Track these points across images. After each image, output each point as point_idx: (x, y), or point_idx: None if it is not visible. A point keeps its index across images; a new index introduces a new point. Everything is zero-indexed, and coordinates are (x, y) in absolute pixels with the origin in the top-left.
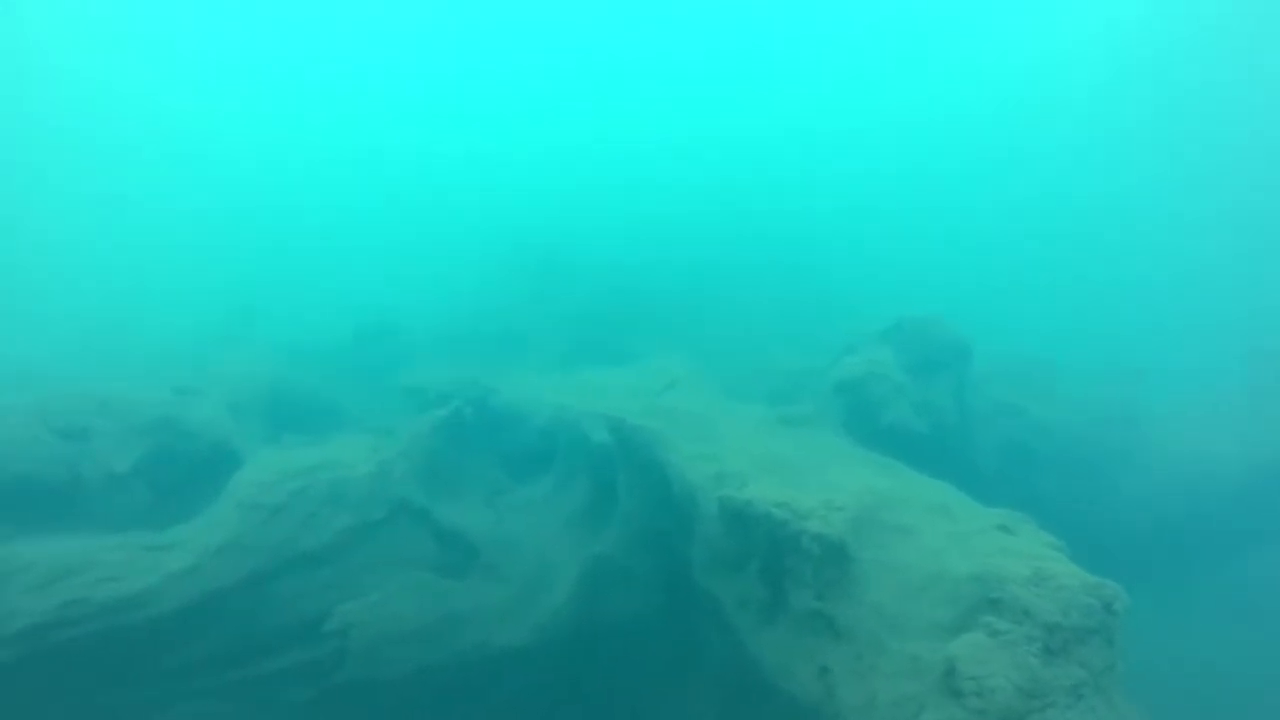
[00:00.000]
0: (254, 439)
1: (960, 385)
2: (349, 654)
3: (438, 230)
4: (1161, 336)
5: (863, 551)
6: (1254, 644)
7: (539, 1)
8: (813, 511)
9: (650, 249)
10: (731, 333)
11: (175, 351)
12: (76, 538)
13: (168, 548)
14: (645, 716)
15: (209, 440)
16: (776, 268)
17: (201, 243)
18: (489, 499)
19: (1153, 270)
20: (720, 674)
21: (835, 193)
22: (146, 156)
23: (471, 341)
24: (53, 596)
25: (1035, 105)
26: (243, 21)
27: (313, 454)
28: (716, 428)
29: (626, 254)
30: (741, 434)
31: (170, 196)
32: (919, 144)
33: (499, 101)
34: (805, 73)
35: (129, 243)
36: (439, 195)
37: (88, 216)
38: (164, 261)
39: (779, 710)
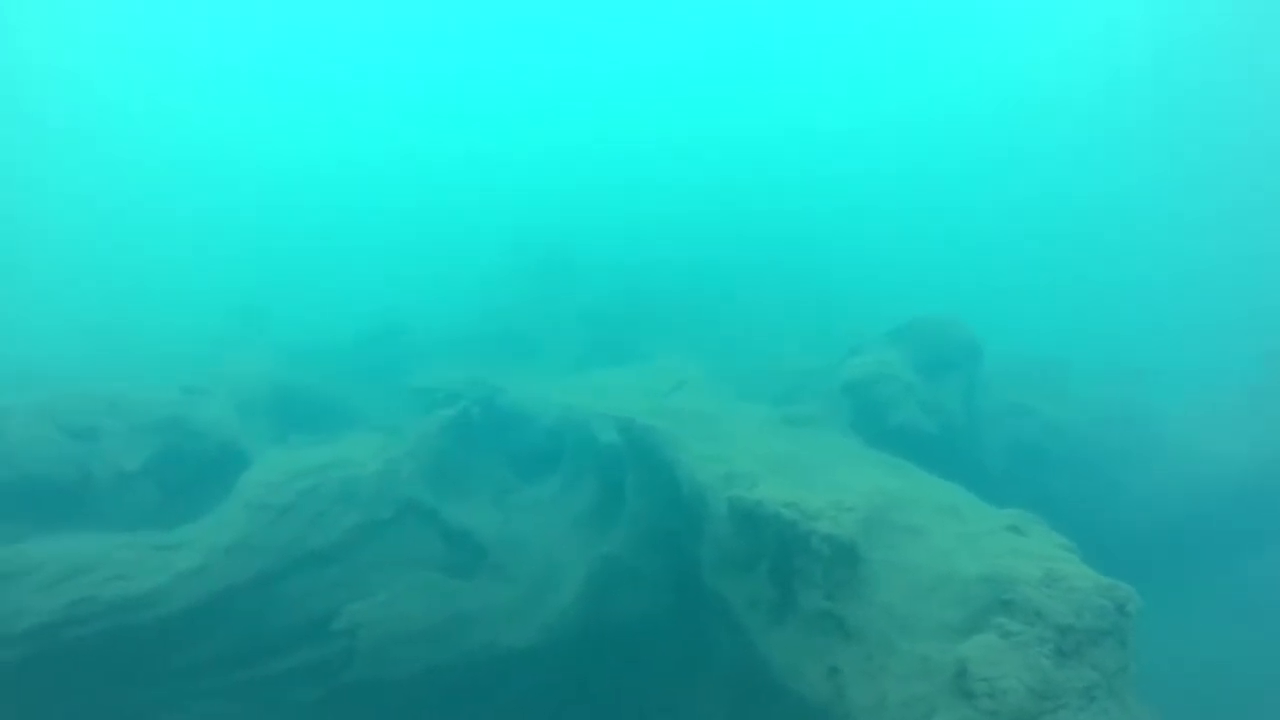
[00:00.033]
0: (261, 439)
1: (970, 385)
2: (357, 654)
3: (441, 231)
4: (1162, 337)
5: (873, 552)
6: (1257, 644)
7: (541, 2)
8: (822, 512)
9: (653, 249)
10: (736, 333)
11: (178, 353)
12: (85, 537)
13: (176, 547)
14: (654, 717)
15: (217, 440)
16: (778, 268)
17: (204, 244)
18: (496, 499)
19: (1153, 270)
20: (729, 674)
21: (837, 193)
22: (149, 157)
23: (476, 342)
24: (61, 595)
25: (1035, 105)
26: (244, 22)
27: (320, 454)
28: (725, 428)
29: (629, 254)
30: (750, 434)
31: (173, 198)
32: (920, 144)
33: (502, 102)
34: (806, 73)
35: (131, 244)
36: (442, 196)
37: (90, 218)
38: (167, 263)
39: (788, 711)
